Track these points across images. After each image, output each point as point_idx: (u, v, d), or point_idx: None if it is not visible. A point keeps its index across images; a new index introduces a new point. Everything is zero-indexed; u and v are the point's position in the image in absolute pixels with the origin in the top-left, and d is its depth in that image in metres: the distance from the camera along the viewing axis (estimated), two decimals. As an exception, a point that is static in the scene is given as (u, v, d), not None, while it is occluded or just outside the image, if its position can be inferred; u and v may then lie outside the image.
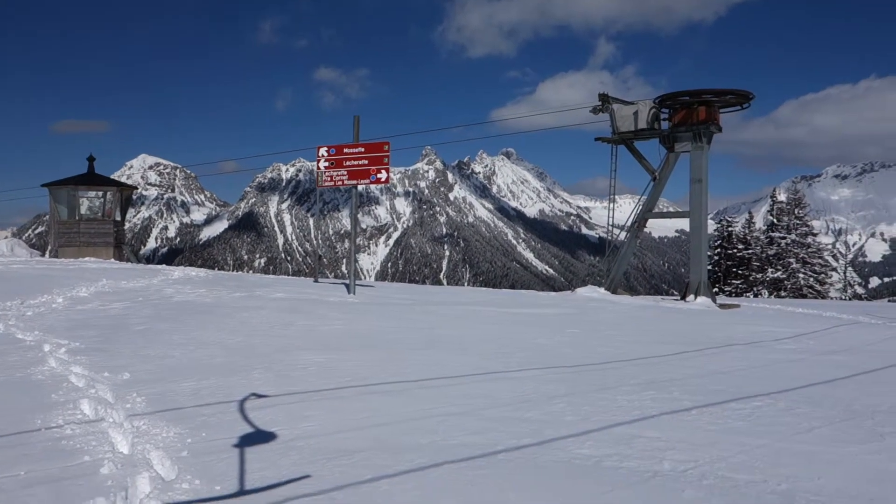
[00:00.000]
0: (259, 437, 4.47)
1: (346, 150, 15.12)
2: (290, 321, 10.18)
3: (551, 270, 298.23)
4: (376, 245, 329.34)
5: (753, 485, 3.83)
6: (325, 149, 15.41)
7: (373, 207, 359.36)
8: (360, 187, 15.58)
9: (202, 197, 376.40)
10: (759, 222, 48.41)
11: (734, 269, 41.32)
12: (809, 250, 40.41)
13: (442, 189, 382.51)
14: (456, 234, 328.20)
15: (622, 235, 24.09)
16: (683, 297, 21.09)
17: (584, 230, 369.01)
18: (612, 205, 23.66)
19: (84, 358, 6.87)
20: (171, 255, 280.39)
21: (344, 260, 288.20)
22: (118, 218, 25.82)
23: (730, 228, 42.68)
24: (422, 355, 7.85)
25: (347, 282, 15.99)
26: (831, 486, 3.84)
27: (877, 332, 12.72)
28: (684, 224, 22.84)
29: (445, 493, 3.58)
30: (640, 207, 23.17)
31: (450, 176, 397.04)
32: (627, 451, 4.35)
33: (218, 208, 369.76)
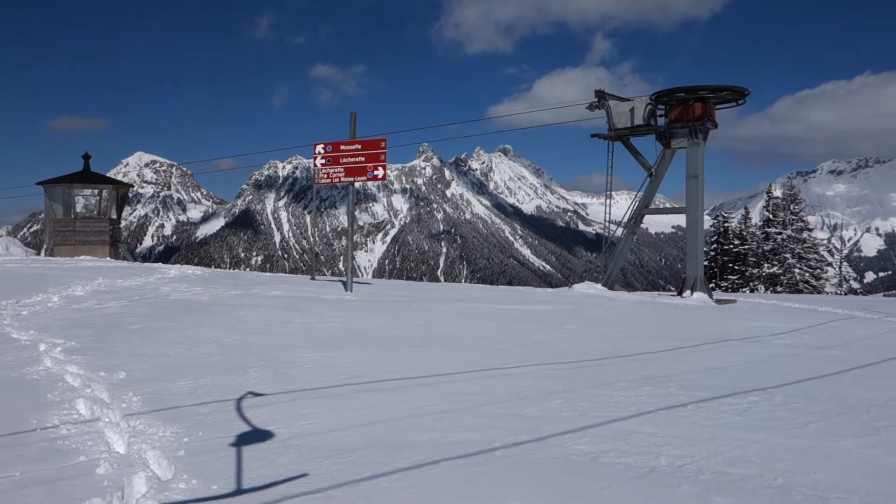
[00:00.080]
0: (256, 435, 4.46)
1: (342, 147, 15.08)
2: (287, 319, 10.16)
3: (548, 267, 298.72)
4: (373, 242, 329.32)
5: (750, 479, 3.84)
6: (322, 146, 15.37)
7: (370, 204, 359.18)
8: (357, 184, 15.55)
9: (198, 195, 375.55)
10: (755, 218, 48.57)
11: (730, 265, 41.44)
12: (805, 245, 40.57)
13: (439, 186, 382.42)
14: (453, 230, 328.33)
15: (619, 231, 24.09)
16: (680, 293, 21.13)
17: (581, 226, 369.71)
18: (608, 201, 23.66)
19: (80, 357, 6.86)
20: (168, 254, 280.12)
21: (341, 257, 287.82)
22: (114, 216, 25.69)
23: (726, 224, 42.78)
24: (419, 352, 7.85)
25: (344, 279, 15.97)
26: (827, 481, 3.86)
27: (872, 327, 12.76)
28: (681, 220, 22.87)
29: (443, 490, 3.58)
30: (637, 204, 23.18)
31: (447, 173, 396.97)
32: (624, 447, 4.36)
33: (214, 206, 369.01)
